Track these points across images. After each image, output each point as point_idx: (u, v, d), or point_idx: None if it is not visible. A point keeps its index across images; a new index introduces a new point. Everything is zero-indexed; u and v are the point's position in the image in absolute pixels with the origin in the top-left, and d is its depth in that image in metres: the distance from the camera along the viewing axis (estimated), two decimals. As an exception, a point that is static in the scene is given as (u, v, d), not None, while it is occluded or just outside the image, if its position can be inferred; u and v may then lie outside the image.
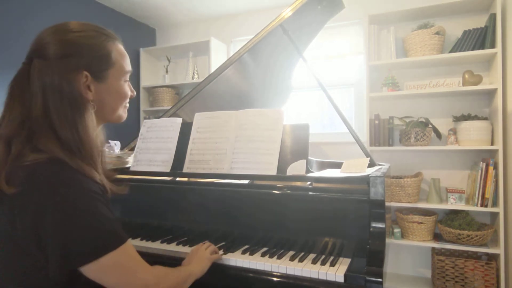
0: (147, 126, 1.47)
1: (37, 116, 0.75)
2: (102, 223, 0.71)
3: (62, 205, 0.68)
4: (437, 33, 2.39)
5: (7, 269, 0.74)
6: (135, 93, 0.93)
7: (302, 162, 1.18)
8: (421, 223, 2.34)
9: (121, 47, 0.88)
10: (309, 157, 1.30)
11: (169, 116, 1.67)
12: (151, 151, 1.41)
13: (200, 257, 1.01)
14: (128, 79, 0.90)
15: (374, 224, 1.01)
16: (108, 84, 0.84)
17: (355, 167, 1.21)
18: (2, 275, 0.75)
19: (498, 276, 2.18)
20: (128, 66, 0.89)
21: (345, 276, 0.93)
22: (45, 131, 0.74)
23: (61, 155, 0.73)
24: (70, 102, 0.76)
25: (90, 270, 0.70)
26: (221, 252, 1.10)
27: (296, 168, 1.18)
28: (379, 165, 1.49)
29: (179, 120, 1.42)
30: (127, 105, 0.92)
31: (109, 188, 0.81)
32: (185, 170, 1.32)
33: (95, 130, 0.81)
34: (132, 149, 1.64)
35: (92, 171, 0.76)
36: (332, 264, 1.00)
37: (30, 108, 0.75)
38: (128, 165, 1.48)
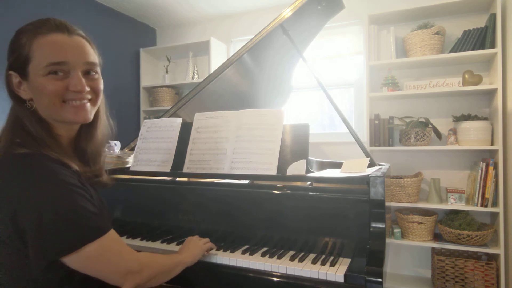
0: (147, 126, 1.47)
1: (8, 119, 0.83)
2: (81, 216, 0.73)
3: (41, 199, 0.70)
4: (437, 33, 2.39)
5: None
6: (76, 87, 0.80)
7: (302, 162, 1.18)
8: (421, 223, 2.34)
9: (44, 37, 0.78)
10: (309, 157, 1.30)
11: (169, 116, 1.67)
12: (151, 151, 1.41)
13: (192, 246, 1.03)
14: (55, 72, 0.78)
15: (374, 224, 1.01)
16: (32, 81, 0.79)
17: (355, 167, 1.21)
18: None
19: (498, 276, 2.18)
20: (50, 57, 0.77)
21: (345, 276, 0.94)
22: (18, 129, 0.80)
23: (39, 148, 0.76)
24: (13, 101, 0.83)
25: (72, 261, 0.72)
26: (221, 251, 1.10)
27: (296, 168, 1.18)
28: (379, 165, 1.49)
29: (179, 120, 1.42)
30: (75, 102, 0.82)
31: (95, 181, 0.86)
32: (185, 170, 1.32)
33: (38, 125, 0.81)
34: (132, 149, 1.64)
35: (68, 160, 0.78)
36: (332, 264, 1.00)
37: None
38: (128, 165, 1.48)
